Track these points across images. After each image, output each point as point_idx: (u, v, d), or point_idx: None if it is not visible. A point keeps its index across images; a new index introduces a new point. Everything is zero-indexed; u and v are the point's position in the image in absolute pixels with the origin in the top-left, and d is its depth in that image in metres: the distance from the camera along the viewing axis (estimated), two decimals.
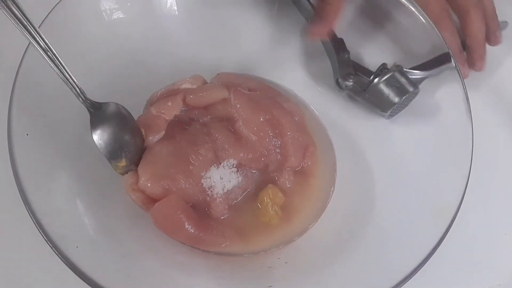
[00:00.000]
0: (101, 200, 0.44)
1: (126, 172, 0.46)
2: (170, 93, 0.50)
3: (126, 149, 0.45)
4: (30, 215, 0.35)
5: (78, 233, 0.39)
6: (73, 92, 0.41)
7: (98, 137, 0.43)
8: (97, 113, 0.43)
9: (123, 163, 0.45)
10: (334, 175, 0.52)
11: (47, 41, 0.38)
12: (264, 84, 0.55)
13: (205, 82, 0.53)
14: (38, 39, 0.38)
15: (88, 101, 0.42)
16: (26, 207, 0.35)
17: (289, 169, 0.50)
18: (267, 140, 0.49)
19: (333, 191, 0.51)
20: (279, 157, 0.50)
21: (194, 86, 0.50)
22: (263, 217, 0.48)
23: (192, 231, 0.43)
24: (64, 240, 0.35)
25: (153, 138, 0.47)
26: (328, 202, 0.51)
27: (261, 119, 0.49)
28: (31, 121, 0.40)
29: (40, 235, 0.35)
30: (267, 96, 0.52)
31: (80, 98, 0.41)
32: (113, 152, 0.44)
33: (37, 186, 0.37)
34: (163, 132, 0.48)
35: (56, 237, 0.35)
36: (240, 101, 0.50)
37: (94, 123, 0.43)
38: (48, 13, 0.43)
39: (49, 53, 0.38)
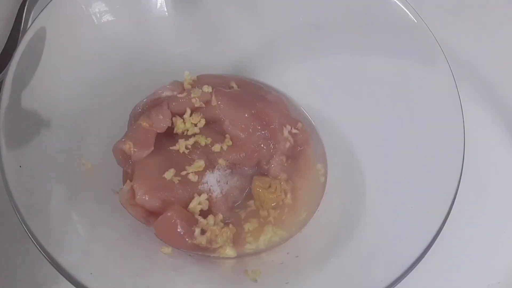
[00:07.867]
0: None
1: None
2: (154, 103, 0.49)
3: None
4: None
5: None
6: None
7: None
8: None
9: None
10: (325, 164, 0.52)
11: None
12: (244, 80, 0.55)
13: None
14: None
15: None
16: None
17: (282, 157, 0.49)
18: (257, 134, 0.49)
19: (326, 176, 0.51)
20: (271, 149, 0.49)
21: (175, 93, 0.49)
22: (266, 205, 0.47)
23: None
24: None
25: (142, 153, 0.45)
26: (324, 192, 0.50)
27: (246, 115, 0.49)
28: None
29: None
30: (249, 91, 0.52)
31: None
32: None
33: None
34: (152, 148, 0.46)
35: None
36: (223, 100, 0.49)
37: None
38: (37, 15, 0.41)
39: None
